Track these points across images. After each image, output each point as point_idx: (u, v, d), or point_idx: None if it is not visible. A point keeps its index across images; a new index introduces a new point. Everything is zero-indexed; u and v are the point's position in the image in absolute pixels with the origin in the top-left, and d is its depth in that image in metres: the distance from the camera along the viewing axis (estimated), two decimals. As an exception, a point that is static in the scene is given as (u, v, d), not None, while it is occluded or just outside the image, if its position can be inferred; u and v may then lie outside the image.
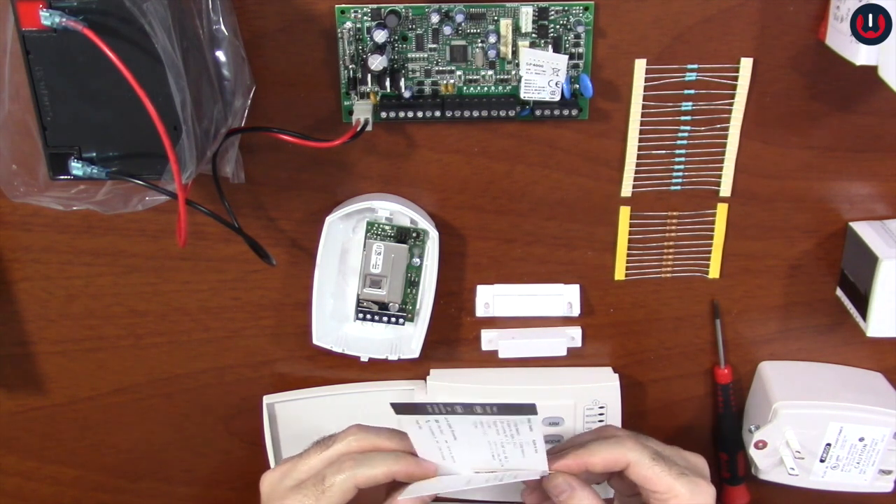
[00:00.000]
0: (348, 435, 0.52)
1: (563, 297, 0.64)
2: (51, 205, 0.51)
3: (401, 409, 0.48)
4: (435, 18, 0.54)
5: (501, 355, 0.65)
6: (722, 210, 0.61)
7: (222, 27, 0.51)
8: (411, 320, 0.63)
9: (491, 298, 0.64)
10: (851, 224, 0.61)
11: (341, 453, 0.51)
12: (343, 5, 0.54)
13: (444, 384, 0.65)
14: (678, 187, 0.60)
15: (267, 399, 0.66)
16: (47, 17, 0.44)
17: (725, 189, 0.60)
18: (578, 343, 0.65)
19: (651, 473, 0.52)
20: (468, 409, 0.47)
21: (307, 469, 0.52)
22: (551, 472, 0.53)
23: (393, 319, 0.62)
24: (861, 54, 0.49)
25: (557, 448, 0.56)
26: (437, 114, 0.56)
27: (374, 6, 0.54)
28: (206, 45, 0.51)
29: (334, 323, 0.63)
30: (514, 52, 0.55)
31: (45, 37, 0.46)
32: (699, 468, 0.55)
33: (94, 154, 0.49)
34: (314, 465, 0.52)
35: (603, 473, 0.55)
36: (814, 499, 0.67)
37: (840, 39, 0.51)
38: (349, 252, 0.62)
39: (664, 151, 0.59)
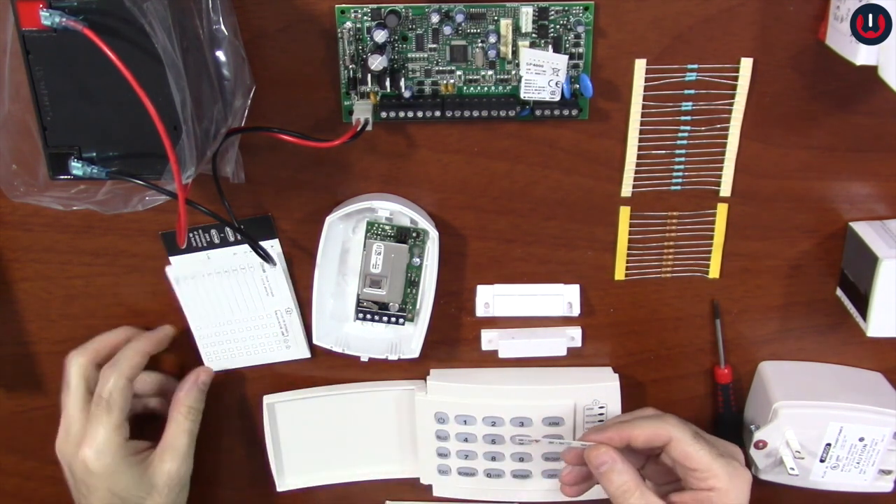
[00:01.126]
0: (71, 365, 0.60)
1: (563, 297, 0.64)
2: (51, 205, 0.51)
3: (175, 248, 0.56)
4: (435, 18, 0.54)
5: (501, 355, 0.65)
6: (722, 210, 0.61)
7: (222, 27, 0.51)
8: (411, 320, 0.63)
9: (491, 298, 0.64)
10: (851, 224, 0.61)
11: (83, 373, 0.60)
12: (343, 5, 0.54)
13: (444, 384, 0.65)
14: (678, 187, 0.60)
15: (267, 399, 0.66)
16: (47, 17, 0.44)
17: (725, 189, 0.60)
18: (578, 343, 0.65)
19: (692, 451, 0.53)
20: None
21: (72, 409, 0.59)
22: (594, 444, 0.54)
23: (393, 319, 0.62)
24: (861, 54, 0.49)
25: (599, 426, 0.58)
26: (437, 114, 0.56)
27: (374, 6, 0.54)
28: (206, 45, 0.51)
29: (334, 323, 0.63)
30: (514, 52, 0.55)
31: (45, 37, 0.46)
32: (735, 454, 0.56)
33: (94, 154, 0.49)
34: (75, 401, 0.59)
35: (641, 455, 0.56)
36: (814, 499, 0.67)
37: (840, 39, 0.51)
38: (349, 252, 0.62)
39: (664, 151, 0.59)
